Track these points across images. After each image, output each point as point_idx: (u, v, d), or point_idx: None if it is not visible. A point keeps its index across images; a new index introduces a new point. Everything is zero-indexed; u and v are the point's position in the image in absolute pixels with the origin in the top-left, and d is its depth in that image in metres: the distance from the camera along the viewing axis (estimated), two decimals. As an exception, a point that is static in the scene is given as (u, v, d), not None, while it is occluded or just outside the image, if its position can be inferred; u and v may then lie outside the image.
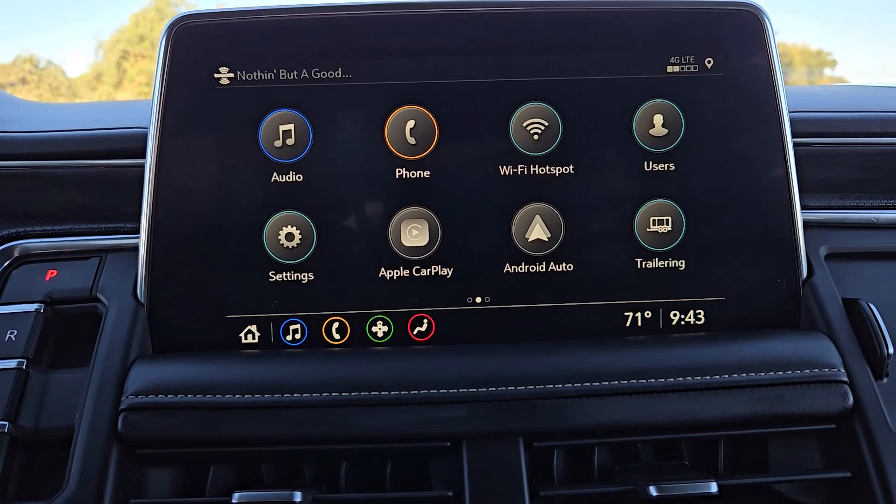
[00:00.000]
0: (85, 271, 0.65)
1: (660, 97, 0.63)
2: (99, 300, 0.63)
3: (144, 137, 0.62)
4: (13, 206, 0.69)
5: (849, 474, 0.57)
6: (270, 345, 0.62)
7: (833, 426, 0.58)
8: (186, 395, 0.56)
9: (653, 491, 0.54)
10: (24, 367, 0.59)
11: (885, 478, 0.55)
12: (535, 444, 0.56)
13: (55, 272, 0.65)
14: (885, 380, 0.60)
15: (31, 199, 0.69)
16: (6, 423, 0.56)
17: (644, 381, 0.57)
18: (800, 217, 0.63)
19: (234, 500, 0.53)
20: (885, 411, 0.57)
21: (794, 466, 0.59)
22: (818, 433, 0.59)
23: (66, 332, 0.64)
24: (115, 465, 0.55)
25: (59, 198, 0.69)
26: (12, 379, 0.58)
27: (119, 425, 0.55)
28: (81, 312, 0.63)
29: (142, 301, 0.62)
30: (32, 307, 0.62)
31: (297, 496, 0.53)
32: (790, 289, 0.63)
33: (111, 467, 0.54)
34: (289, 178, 0.62)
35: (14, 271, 0.65)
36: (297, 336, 0.63)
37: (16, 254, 0.66)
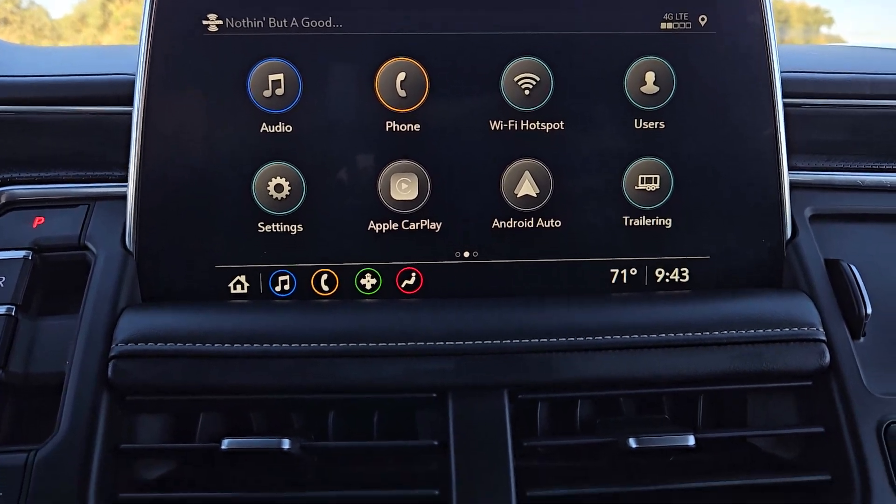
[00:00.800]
0: (73, 219, 0.64)
1: (652, 54, 0.63)
2: (87, 248, 0.63)
3: (132, 84, 0.62)
4: (-2, 151, 0.69)
5: (822, 430, 0.58)
6: (259, 295, 0.63)
7: (809, 383, 0.60)
8: (176, 344, 0.57)
9: (632, 443, 0.55)
10: (13, 313, 0.59)
11: (856, 433, 0.57)
12: (520, 397, 0.58)
13: (42, 219, 0.65)
14: (861, 339, 0.61)
15: (16, 145, 0.68)
16: (-4, 368, 0.57)
17: (628, 336, 0.58)
18: (786, 178, 0.64)
19: (223, 447, 0.54)
20: (860, 370, 0.59)
21: (770, 421, 0.61)
22: (795, 389, 0.60)
23: (54, 279, 0.64)
24: (106, 411, 0.55)
25: (46, 144, 0.68)
26: (1, 325, 0.59)
27: (109, 372, 0.56)
28: (70, 260, 0.63)
29: (130, 250, 0.62)
30: (20, 254, 0.62)
31: (286, 443, 0.54)
32: (774, 249, 0.64)
33: (101, 413, 0.55)
34: (278, 128, 0.62)
35: (1, 218, 0.65)
36: (286, 287, 0.63)
37: (2, 200, 0.66)
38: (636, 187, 0.64)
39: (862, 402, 0.58)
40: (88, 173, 0.67)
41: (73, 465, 0.53)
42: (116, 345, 0.57)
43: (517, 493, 0.54)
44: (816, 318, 0.60)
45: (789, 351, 0.59)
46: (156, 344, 0.56)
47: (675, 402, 0.62)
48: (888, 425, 0.57)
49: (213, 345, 0.57)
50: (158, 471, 0.59)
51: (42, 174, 0.67)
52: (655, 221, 0.64)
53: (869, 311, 0.60)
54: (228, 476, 0.58)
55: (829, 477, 0.57)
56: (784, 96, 0.64)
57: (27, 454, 0.54)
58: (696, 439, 0.56)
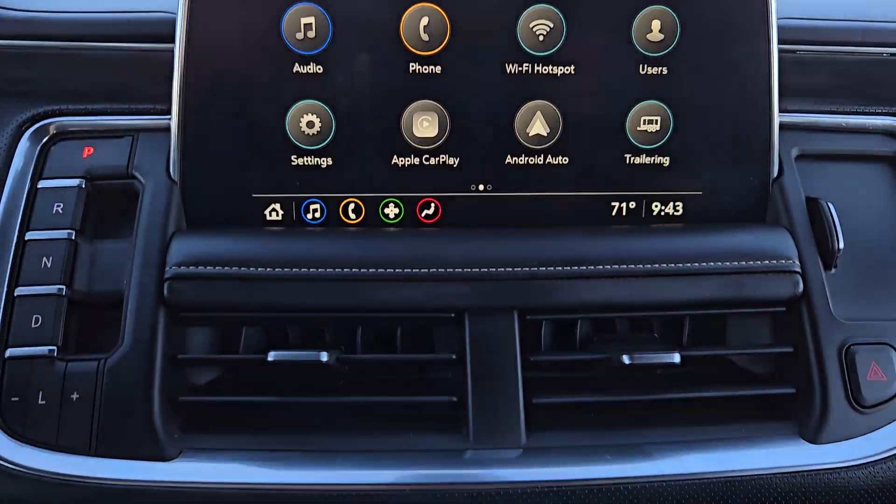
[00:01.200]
0: (120, 149, 0.70)
1: (659, 3, 0.67)
2: (135, 177, 0.68)
3: (172, 23, 0.66)
4: (45, 85, 0.73)
5: (791, 349, 0.66)
6: (292, 222, 0.69)
7: (783, 309, 0.67)
8: (223, 267, 0.63)
9: (625, 359, 0.63)
10: (73, 237, 0.66)
11: (820, 353, 0.65)
12: (528, 318, 0.65)
13: (92, 149, 0.70)
14: (832, 270, 0.68)
15: (63, 80, 0.72)
16: (63, 286, 0.64)
17: (625, 266, 0.65)
18: (777, 121, 0.69)
19: (269, 359, 0.62)
20: (828, 298, 0.66)
21: (747, 341, 0.69)
22: (771, 314, 0.68)
23: (104, 205, 0.70)
24: (163, 326, 0.62)
25: (91, 79, 0.73)
26: (65, 248, 0.65)
27: (165, 292, 0.63)
28: (119, 189, 0.69)
29: (175, 179, 0.67)
30: (75, 182, 0.68)
31: (324, 356, 0.62)
32: (761, 187, 0.70)
33: (160, 327, 0.62)
34: (309, 69, 0.67)
35: (53, 147, 0.70)
36: (317, 215, 0.69)
37: (52, 131, 0.70)
38: (638, 128, 0.69)
39: (828, 327, 0.65)
40: (132, 106, 0.72)
41: (138, 372, 0.61)
42: (170, 268, 0.63)
43: (524, 399, 0.62)
44: (793, 252, 0.67)
45: (767, 281, 0.66)
46: (205, 267, 0.63)
47: (664, 323, 0.70)
48: (848, 347, 0.65)
49: (256, 268, 0.63)
50: (206, 377, 0.66)
51: (88, 107, 0.72)
52: (654, 159, 0.70)
53: (841, 245, 0.67)
54: (269, 382, 0.65)
55: (793, 390, 0.65)
56: (779, 42, 0.69)
57: (97, 362, 0.61)
58: (681, 356, 0.64)
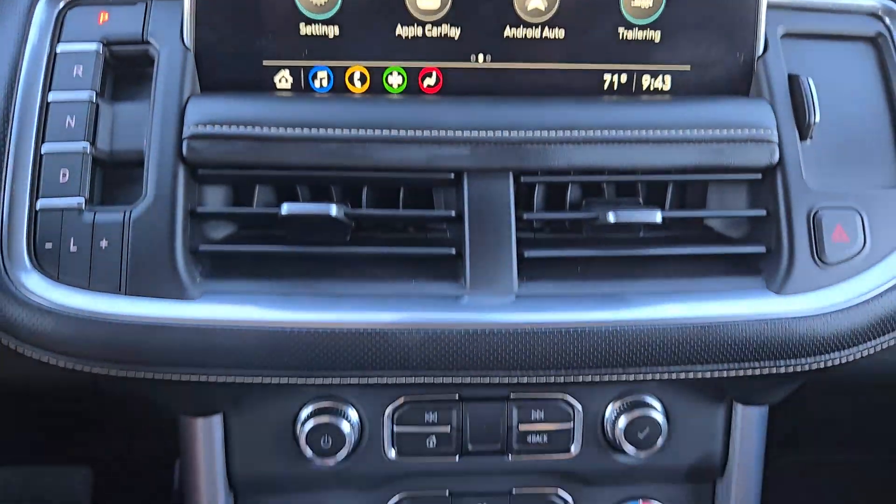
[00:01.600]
0: (134, 16, 0.72)
1: None
2: (150, 43, 0.71)
3: None
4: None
5: (765, 213, 0.71)
6: (301, 89, 0.73)
7: (759, 176, 0.72)
8: (238, 127, 0.67)
9: (611, 217, 0.68)
10: (93, 99, 0.69)
11: (790, 217, 0.70)
12: (522, 179, 0.70)
13: (107, 15, 0.73)
14: (808, 142, 0.73)
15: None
16: (87, 143, 0.68)
17: (614, 132, 0.69)
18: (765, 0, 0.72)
19: (283, 212, 0.67)
20: (801, 167, 0.71)
21: (724, 206, 0.74)
22: (747, 182, 0.73)
23: (120, 70, 0.73)
24: (183, 181, 0.67)
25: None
26: (86, 108, 0.69)
27: (184, 150, 0.67)
28: (135, 54, 0.72)
29: (188, 46, 0.71)
30: (92, 46, 0.71)
31: (333, 209, 0.67)
32: (746, 63, 0.74)
33: (179, 182, 0.67)
34: None
35: (68, 13, 0.73)
36: (324, 83, 0.73)
37: None
38: (632, 3, 0.72)
39: (799, 193, 0.70)
40: None
41: (161, 222, 0.66)
42: (188, 127, 0.67)
43: (517, 253, 0.68)
44: (772, 122, 0.71)
45: (746, 148, 0.70)
46: (222, 127, 0.67)
47: (649, 190, 0.75)
48: (816, 211, 0.70)
49: (268, 128, 0.67)
50: (222, 232, 0.72)
51: (101, -27, 0.74)
52: (646, 34, 0.73)
53: (817, 119, 0.71)
54: (280, 236, 0.70)
55: (764, 249, 0.71)
56: (771, -81, 0.71)
57: (123, 213, 0.66)
58: (662, 217, 0.69)
